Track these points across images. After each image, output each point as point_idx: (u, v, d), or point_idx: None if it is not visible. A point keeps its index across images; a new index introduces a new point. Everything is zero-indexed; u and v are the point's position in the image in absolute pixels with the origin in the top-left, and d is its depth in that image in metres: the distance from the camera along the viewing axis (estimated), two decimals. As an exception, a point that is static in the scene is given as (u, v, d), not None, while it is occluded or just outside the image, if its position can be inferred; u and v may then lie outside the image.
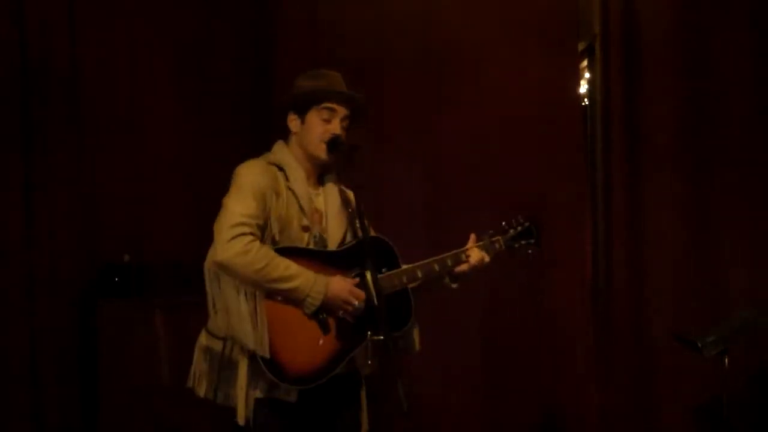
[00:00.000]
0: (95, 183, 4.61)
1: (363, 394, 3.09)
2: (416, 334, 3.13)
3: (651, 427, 4.71)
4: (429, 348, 3.20)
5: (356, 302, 2.91)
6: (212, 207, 3.01)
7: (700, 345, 3.91)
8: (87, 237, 4.56)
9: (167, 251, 4.58)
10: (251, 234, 2.84)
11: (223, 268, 2.84)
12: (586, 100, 5.30)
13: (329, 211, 3.06)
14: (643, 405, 4.71)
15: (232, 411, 2.95)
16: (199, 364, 3.00)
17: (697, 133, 4.73)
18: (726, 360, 3.90)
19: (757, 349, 4.45)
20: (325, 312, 2.92)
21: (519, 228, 3.37)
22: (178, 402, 4.28)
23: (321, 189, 3.10)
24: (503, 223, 3.37)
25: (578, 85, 5.06)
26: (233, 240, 2.81)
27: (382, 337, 2.87)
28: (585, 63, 5.24)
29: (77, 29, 4.56)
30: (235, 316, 2.83)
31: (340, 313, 2.93)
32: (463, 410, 4.77)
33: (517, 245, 3.36)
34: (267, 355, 2.81)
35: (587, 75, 5.29)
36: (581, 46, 5.06)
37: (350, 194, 3.12)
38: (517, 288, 4.78)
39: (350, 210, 3.07)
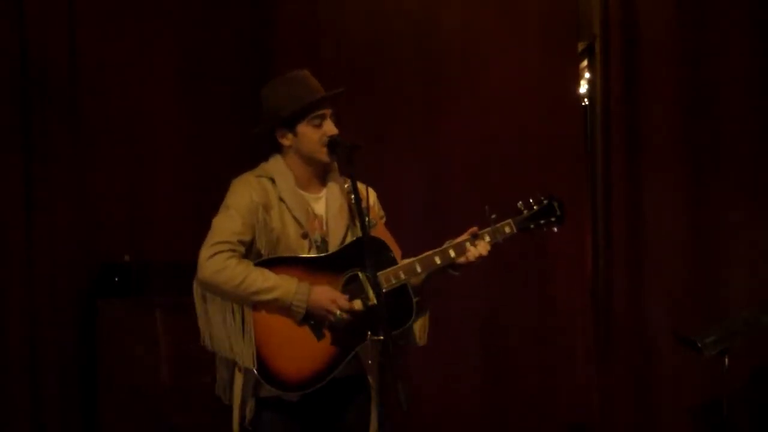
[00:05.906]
0: (95, 183, 4.62)
1: (373, 401, 3.02)
2: (420, 329, 3.08)
3: (651, 428, 4.71)
4: (429, 348, 3.19)
5: (337, 311, 2.87)
6: (212, 207, 3.02)
7: (700, 345, 3.91)
8: (87, 237, 4.56)
9: (167, 251, 4.58)
10: (230, 251, 2.88)
11: (204, 286, 2.90)
12: (586, 100, 5.30)
13: (330, 213, 3.04)
14: (643, 405, 4.71)
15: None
16: (218, 371, 3.05)
17: (697, 133, 4.73)
18: (726, 360, 3.90)
19: (757, 349, 4.45)
20: (313, 319, 2.90)
21: (536, 207, 3.17)
22: (178, 402, 4.31)
23: (324, 190, 3.08)
24: (519, 204, 3.17)
25: (578, 85, 5.06)
26: (211, 258, 2.86)
27: (381, 338, 2.87)
28: (585, 63, 5.24)
29: (77, 31, 4.56)
30: (220, 332, 2.88)
31: (326, 323, 2.90)
32: (463, 410, 4.77)
33: (533, 225, 3.16)
34: (252, 367, 2.86)
35: (587, 75, 5.29)
36: (581, 46, 5.06)
37: (364, 190, 2.99)
38: (517, 288, 4.78)
39: (350, 208, 3.02)
